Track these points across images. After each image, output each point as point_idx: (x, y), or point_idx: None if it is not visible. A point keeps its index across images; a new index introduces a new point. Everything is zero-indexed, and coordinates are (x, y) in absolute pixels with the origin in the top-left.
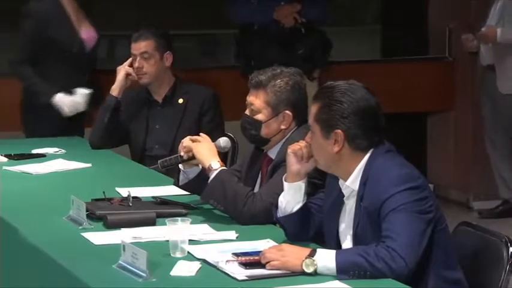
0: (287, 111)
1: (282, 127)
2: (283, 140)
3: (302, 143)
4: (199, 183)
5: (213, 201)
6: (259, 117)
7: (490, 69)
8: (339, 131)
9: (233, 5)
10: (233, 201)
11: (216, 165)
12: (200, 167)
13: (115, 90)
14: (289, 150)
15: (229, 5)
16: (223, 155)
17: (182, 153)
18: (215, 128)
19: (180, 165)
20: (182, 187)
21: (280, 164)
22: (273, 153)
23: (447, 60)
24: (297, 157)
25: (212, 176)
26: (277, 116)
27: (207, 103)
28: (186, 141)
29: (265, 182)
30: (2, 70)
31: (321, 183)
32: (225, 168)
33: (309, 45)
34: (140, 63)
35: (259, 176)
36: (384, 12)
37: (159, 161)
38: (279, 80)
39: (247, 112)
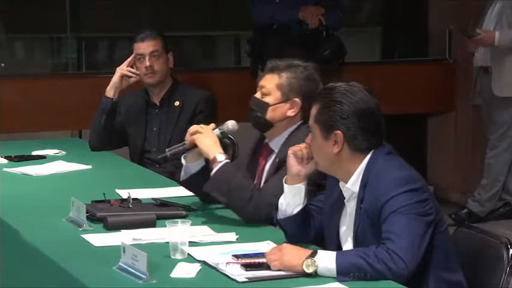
0: (297, 99)
1: (289, 114)
2: (287, 134)
3: (303, 145)
4: (200, 179)
5: (216, 193)
6: (268, 99)
7: (483, 71)
8: (339, 131)
9: (257, 4)
10: (238, 195)
11: (221, 157)
12: (203, 162)
13: (110, 91)
14: (289, 152)
15: (253, 4)
16: None
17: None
18: None
19: (183, 160)
20: (183, 183)
21: (284, 162)
22: (274, 145)
23: (447, 62)
24: (297, 158)
25: (217, 168)
26: (286, 102)
27: (201, 104)
28: (192, 129)
29: (266, 173)
30: (2, 71)
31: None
32: (229, 161)
33: (329, 49)
34: (151, 62)
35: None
36: (384, 13)
37: (166, 149)
38: (294, 68)
39: (257, 95)
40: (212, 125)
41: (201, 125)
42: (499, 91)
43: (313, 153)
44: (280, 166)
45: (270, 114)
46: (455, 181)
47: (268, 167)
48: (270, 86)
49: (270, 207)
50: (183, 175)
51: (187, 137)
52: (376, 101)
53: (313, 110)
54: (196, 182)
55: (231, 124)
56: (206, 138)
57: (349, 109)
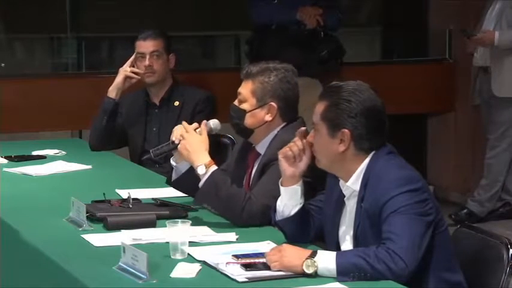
0: (272, 103)
1: (266, 119)
2: (271, 136)
3: (290, 144)
4: (191, 178)
5: (207, 206)
6: (244, 106)
7: (482, 71)
8: (346, 130)
9: (255, 5)
10: (229, 205)
11: (202, 169)
12: None
13: (112, 92)
14: (280, 156)
15: (251, 4)
16: (222, 156)
17: (174, 139)
18: None
19: (172, 162)
20: (174, 184)
21: (270, 163)
22: (260, 148)
23: (447, 62)
24: (289, 160)
25: (203, 181)
26: (262, 107)
27: (200, 104)
28: (178, 128)
29: (252, 177)
30: (2, 71)
31: (311, 181)
32: (216, 168)
33: (327, 49)
34: (150, 61)
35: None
36: (384, 13)
37: (151, 150)
38: (268, 72)
39: (235, 102)
40: (195, 125)
41: (185, 125)
42: (498, 91)
43: (315, 150)
44: (265, 169)
45: (248, 121)
46: (455, 181)
47: (254, 171)
48: (245, 92)
49: (263, 215)
50: (174, 176)
51: (172, 137)
52: (382, 100)
53: (320, 107)
54: (186, 181)
55: (212, 123)
56: (189, 144)
57: (357, 108)
